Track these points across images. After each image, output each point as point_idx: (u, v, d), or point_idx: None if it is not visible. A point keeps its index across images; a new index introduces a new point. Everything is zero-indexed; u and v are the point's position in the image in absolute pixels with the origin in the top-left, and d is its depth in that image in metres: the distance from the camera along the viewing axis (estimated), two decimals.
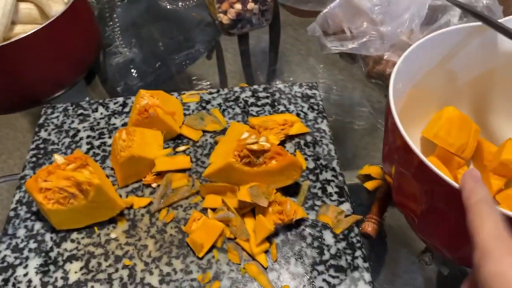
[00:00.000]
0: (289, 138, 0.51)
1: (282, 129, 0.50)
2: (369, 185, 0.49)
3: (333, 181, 0.47)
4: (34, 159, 0.50)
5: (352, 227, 0.43)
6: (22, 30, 0.56)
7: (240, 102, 0.55)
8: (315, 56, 0.71)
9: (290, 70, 0.74)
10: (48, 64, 0.54)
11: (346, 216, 0.44)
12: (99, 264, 0.41)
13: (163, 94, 0.52)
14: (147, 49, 0.78)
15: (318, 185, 0.47)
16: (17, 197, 0.47)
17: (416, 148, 0.32)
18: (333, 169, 0.48)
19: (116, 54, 0.76)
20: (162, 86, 0.62)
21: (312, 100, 0.55)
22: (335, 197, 0.46)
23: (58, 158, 0.43)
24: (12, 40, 0.50)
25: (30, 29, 0.56)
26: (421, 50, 0.41)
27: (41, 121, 0.54)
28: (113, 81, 0.73)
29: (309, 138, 0.51)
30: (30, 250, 0.42)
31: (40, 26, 0.51)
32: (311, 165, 0.48)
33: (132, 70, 0.75)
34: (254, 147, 0.42)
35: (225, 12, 0.65)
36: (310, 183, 0.47)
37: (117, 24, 0.80)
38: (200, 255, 0.41)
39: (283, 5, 0.72)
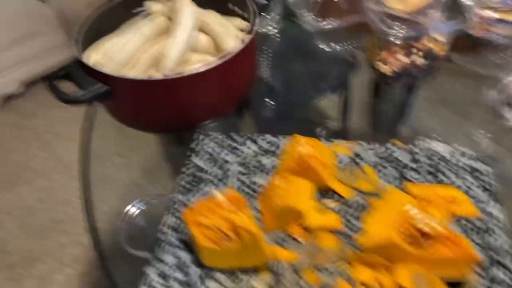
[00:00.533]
0: (455, 219, 0.45)
1: (449, 208, 0.45)
2: None
3: (505, 281, 0.40)
4: (186, 185, 0.52)
5: None
6: (196, 60, 0.59)
7: (397, 164, 0.51)
8: (479, 123, 0.64)
9: (423, 118, 0.68)
10: (213, 95, 0.57)
11: None
12: None
13: (318, 143, 0.50)
14: (286, 81, 0.79)
15: (487, 283, 0.40)
16: (168, 221, 0.48)
17: None
18: (507, 268, 0.41)
19: (259, 85, 0.77)
20: (291, 116, 0.61)
21: (483, 178, 0.49)
22: None
23: (219, 195, 0.43)
24: (189, 73, 0.53)
25: (202, 58, 0.60)
26: None
27: (194, 146, 0.56)
28: (252, 107, 0.74)
29: (478, 223, 0.45)
30: (175, 280, 0.43)
31: (218, 63, 0.52)
32: (480, 257, 0.42)
33: (269, 100, 0.76)
34: (425, 228, 0.38)
35: (386, 62, 0.62)
36: (477, 278, 0.41)
37: (264, 55, 0.82)
38: None
39: None
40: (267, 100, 0.75)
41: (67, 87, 0.56)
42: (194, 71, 0.51)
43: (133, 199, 0.68)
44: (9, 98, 1.89)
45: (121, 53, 0.56)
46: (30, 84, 1.93)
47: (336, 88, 0.78)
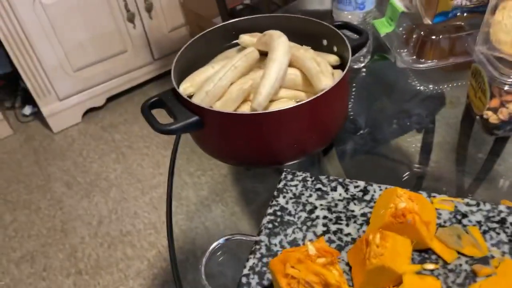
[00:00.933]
0: None
1: None
2: None
3: None
4: (270, 225, 0.50)
5: None
6: (285, 95, 0.58)
7: (507, 227, 0.46)
8: None
9: None
10: (301, 133, 0.55)
11: None
12: None
13: (422, 199, 0.46)
14: (370, 117, 0.75)
15: None
16: (250, 263, 0.47)
17: None
18: None
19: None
20: (371, 152, 0.57)
21: None
22: None
23: (310, 247, 0.41)
24: (279, 108, 0.52)
25: (291, 94, 0.59)
26: None
27: (280, 186, 0.54)
28: (344, 147, 0.71)
29: None
30: None
31: (307, 100, 0.51)
32: None
33: (351, 135, 0.72)
34: None
35: (494, 110, 0.57)
36: None
37: (353, 91, 0.79)
38: None
39: None
40: (350, 135, 0.73)
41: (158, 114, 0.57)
42: (284, 107, 0.50)
43: (200, 219, 0.68)
44: (91, 109, 2.03)
45: (215, 87, 0.56)
46: (111, 97, 2.06)
47: (422, 126, 0.73)
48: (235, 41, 0.68)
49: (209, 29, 0.66)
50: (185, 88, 0.59)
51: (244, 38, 0.66)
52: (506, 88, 0.53)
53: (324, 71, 0.56)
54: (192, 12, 1.92)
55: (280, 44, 0.58)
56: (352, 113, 0.76)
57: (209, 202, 0.80)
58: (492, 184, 0.61)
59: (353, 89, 0.79)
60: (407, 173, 0.65)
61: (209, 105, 0.56)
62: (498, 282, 0.40)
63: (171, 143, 1.12)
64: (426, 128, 0.72)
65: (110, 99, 2.06)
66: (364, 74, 0.79)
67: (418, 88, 0.74)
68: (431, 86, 0.71)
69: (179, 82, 0.60)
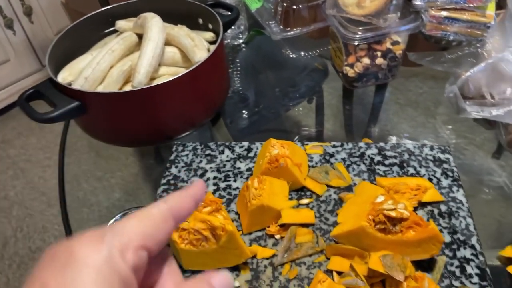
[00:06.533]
0: (422, 205, 0.48)
1: (415, 195, 0.47)
2: None
3: (473, 260, 0.43)
4: (164, 194, 0.53)
5: None
6: (166, 72, 0.61)
7: (366, 159, 0.54)
8: (431, 113, 0.68)
9: (392, 120, 0.71)
10: (185, 106, 0.58)
11: None
12: None
13: (292, 145, 0.52)
14: (259, 91, 0.81)
15: (456, 263, 0.43)
16: None
17: None
18: (473, 247, 0.44)
19: (231, 94, 0.79)
20: (266, 126, 0.62)
21: (445, 166, 0.52)
22: (475, 279, 0.41)
23: None
24: (158, 82, 0.54)
25: (173, 71, 0.61)
26: None
27: (172, 157, 0.57)
28: (226, 117, 0.76)
29: (443, 208, 0.47)
30: None
31: (185, 71, 0.54)
32: (447, 239, 0.45)
33: (243, 110, 0.78)
34: (392, 214, 0.40)
35: (351, 65, 0.65)
36: (446, 259, 0.43)
37: (238, 67, 0.84)
38: None
39: None
40: (242, 111, 0.77)
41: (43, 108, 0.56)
42: (162, 81, 0.53)
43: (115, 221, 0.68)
44: None
45: (94, 71, 0.57)
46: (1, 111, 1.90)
47: (310, 96, 0.81)
48: (113, 28, 0.68)
49: (83, 18, 0.66)
50: (64, 77, 0.59)
51: (121, 23, 0.67)
52: (356, 43, 0.61)
53: (198, 46, 0.60)
54: (77, 12, 1.84)
55: (154, 24, 0.60)
56: (240, 88, 0.81)
57: (122, 203, 0.80)
58: (371, 136, 0.69)
59: (238, 65, 0.84)
60: (296, 137, 0.72)
61: (92, 90, 0.56)
62: (356, 200, 0.47)
63: (74, 149, 1.08)
64: (313, 97, 0.79)
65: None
66: (245, 49, 0.84)
67: (298, 58, 0.81)
68: (302, 53, 0.79)
69: (58, 73, 0.59)
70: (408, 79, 0.79)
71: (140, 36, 0.63)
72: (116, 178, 1.20)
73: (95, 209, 0.79)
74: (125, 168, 1.09)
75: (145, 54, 0.57)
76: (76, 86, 0.56)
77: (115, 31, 0.68)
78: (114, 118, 0.57)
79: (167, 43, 0.62)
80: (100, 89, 0.58)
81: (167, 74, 0.61)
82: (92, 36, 0.68)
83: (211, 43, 0.65)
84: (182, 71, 0.62)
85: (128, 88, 0.59)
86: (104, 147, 1.00)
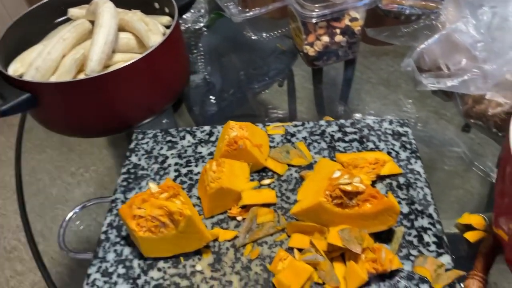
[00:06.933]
0: (380, 178, 0.48)
1: (373, 169, 0.48)
2: (471, 236, 0.44)
3: (430, 229, 0.43)
4: (125, 183, 0.52)
5: (454, 283, 0.39)
6: (121, 59, 0.59)
7: (326, 137, 0.54)
8: (401, 89, 0.69)
9: (365, 99, 0.72)
10: (142, 92, 0.57)
11: (447, 270, 0.40)
12: None
13: (251, 126, 0.52)
14: (225, 76, 0.80)
15: (414, 232, 0.43)
16: (108, 220, 0.48)
17: None
18: (430, 216, 0.44)
19: (196, 80, 0.78)
20: (236, 111, 0.62)
21: (404, 139, 0.52)
22: (433, 247, 0.42)
23: (152, 186, 0.43)
24: (112, 69, 0.53)
25: (128, 57, 0.60)
26: None
27: (132, 146, 0.56)
28: (193, 105, 0.75)
29: (402, 180, 0.48)
30: (118, 276, 0.43)
31: (139, 57, 0.53)
32: (405, 209, 0.45)
33: (210, 96, 0.77)
34: (348, 188, 0.40)
35: (311, 44, 0.65)
36: (404, 229, 0.43)
37: (201, 52, 0.83)
38: None
39: None
40: (210, 97, 0.76)
41: None
42: (116, 68, 0.51)
43: (91, 216, 0.67)
44: None
45: (45, 61, 0.55)
46: None
47: (279, 79, 0.80)
48: (67, 16, 0.66)
49: (33, 7, 0.64)
50: (15, 69, 0.57)
51: (73, 11, 0.64)
52: (313, 21, 0.61)
53: (153, 30, 0.59)
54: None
55: (105, 10, 0.58)
56: (206, 73, 0.80)
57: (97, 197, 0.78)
58: (339, 115, 0.69)
59: (201, 50, 0.82)
60: (266, 119, 0.71)
61: (43, 81, 0.54)
62: (314, 177, 0.47)
63: (45, 146, 1.05)
64: (284, 80, 0.78)
65: None
66: (207, 33, 0.83)
67: (266, 41, 0.80)
68: (264, 34, 0.78)
69: (8, 65, 0.57)
70: (379, 58, 0.79)
71: (93, 24, 0.61)
72: (91, 172, 1.17)
73: (70, 205, 0.77)
74: (99, 162, 1.07)
75: (97, 41, 0.55)
76: (28, 77, 0.54)
77: (69, 19, 0.66)
78: (69, 108, 0.55)
79: (121, 29, 0.60)
80: (53, 79, 0.56)
81: (122, 61, 0.59)
82: (45, 25, 0.65)
83: (169, 27, 0.64)
84: (138, 57, 0.61)
85: (81, 77, 0.57)
86: (77, 142, 0.98)
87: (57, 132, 0.60)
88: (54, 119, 0.58)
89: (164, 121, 0.69)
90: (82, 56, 0.57)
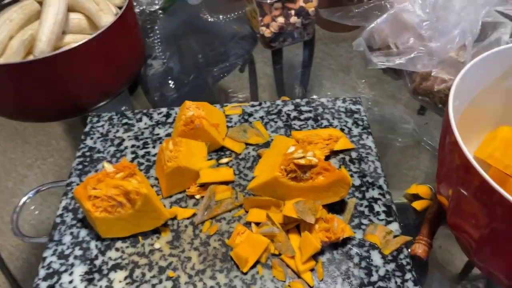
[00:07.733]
0: (334, 153, 0.50)
1: (327, 144, 0.49)
2: (418, 205, 0.47)
3: (380, 199, 0.46)
4: (80, 166, 0.51)
5: (402, 248, 0.42)
6: (72, 40, 0.58)
7: (283, 116, 0.55)
8: (356, 71, 0.71)
9: (325, 85, 0.74)
10: (95, 74, 0.56)
11: (395, 236, 0.42)
12: (143, 274, 0.41)
13: (208, 106, 0.52)
14: (184, 60, 0.79)
15: (365, 203, 0.45)
16: (63, 203, 0.47)
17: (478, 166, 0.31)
18: (380, 187, 0.47)
19: (155, 65, 0.77)
20: (197, 97, 0.62)
21: (356, 116, 0.54)
22: (382, 216, 0.44)
23: (107, 166, 0.43)
24: (63, 50, 0.51)
25: (79, 38, 0.58)
26: (478, 67, 0.40)
27: (87, 129, 0.55)
28: (152, 91, 0.74)
29: (354, 154, 0.50)
30: (75, 257, 0.43)
31: (90, 37, 0.52)
32: (357, 182, 0.47)
33: (170, 81, 0.76)
34: (302, 161, 0.42)
35: (267, 26, 0.65)
36: (356, 200, 0.46)
37: (158, 35, 0.81)
38: (245, 270, 0.40)
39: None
40: (169, 83, 0.75)
41: None
42: (67, 48, 0.50)
43: (50, 208, 0.65)
44: None
45: None
46: None
47: (240, 64, 0.80)
48: None
49: None
50: None
51: None
52: (268, 1, 0.61)
53: (104, 10, 0.57)
54: None
55: None
56: (164, 57, 0.79)
57: (56, 190, 0.76)
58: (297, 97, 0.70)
59: (158, 34, 0.81)
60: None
61: None
62: (271, 152, 0.49)
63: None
64: (245, 65, 0.78)
65: None
66: (163, 16, 0.81)
67: (225, 25, 0.80)
68: (221, 16, 0.78)
69: None
70: (338, 45, 0.81)
71: (42, 5, 0.59)
72: (48, 164, 1.14)
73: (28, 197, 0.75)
74: (57, 153, 1.04)
75: (45, 21, 0.53)
76: None
77: (17, 0, 0.63)
78: (18, 92, 0.53)
79: (72, 9, 0.58)
80: (1, 61, 0.53)
81: (73, 42, 0.57)
82: None
83: (121, 8, 0.62)
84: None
85: (31, 58, 0.55)
86: (32, 133, 0.94)
87: (8, 118, 0.58)
88: (3, 103, 0.56)
89: (123, 108, 0.68)
90: (30, 37, 0.55)
